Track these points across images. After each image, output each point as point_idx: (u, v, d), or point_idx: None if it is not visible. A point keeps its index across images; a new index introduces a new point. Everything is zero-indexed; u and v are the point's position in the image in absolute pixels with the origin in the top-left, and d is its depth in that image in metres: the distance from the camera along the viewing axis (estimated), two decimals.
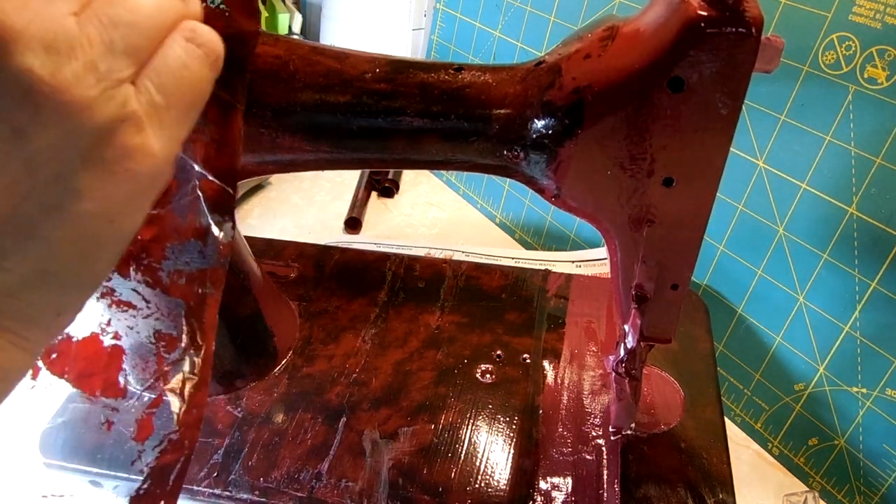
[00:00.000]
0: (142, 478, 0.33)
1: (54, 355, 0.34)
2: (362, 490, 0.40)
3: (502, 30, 0.67)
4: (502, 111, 0.32)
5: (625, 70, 0.29)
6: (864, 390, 0.45)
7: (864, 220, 0.42)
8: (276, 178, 0.77)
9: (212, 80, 0.24)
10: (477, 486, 0.40)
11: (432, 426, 0.44)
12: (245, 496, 0.40)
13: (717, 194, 0.32)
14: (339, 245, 0.61)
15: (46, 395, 0.45)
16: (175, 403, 0.29)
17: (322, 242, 0.61)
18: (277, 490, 0.40)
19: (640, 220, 0.33)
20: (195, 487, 0.41)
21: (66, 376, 0.34)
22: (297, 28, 0.87)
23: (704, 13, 0.26)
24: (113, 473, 0.41)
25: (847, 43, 0.41)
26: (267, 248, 0.59)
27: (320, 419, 0.44)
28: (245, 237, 0.47)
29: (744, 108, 0.29)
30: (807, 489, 0.48)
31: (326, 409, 0.45)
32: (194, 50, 0.23)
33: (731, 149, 0.30)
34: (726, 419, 0.46)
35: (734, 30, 0.26)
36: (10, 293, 0.20)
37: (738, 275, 0.51)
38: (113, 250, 0.23)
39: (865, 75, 0.41)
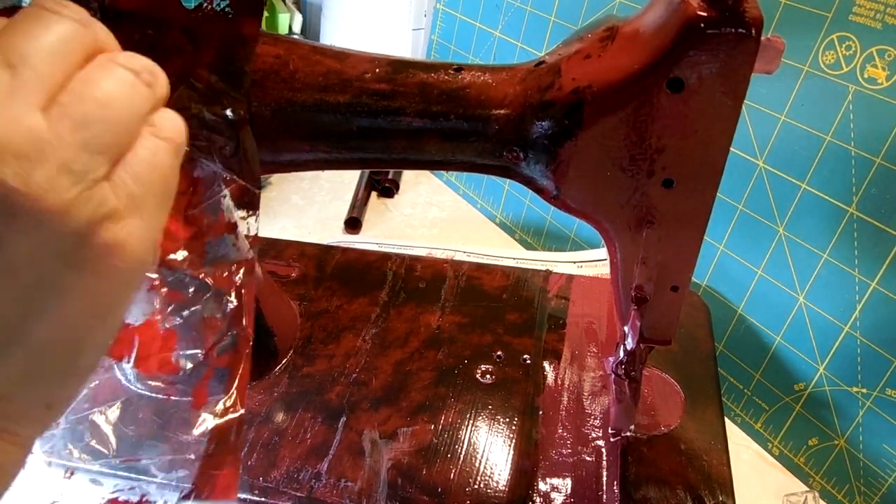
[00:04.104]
0: (144, 476, 0.39)
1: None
2: (361, 490, 0.40)
3: (502, 30, 0.67)
4: (502, 111, 0.32)
5: (624, 70, 0.29)
6: (864, 390, 0.45)
7: (864, 220, 0.42)
8: (276, 178, 0.77)
9: (178, 168, 0.23)
10: (476, 486, 0.40)
11: (432, 426, 0.44)
12: (244, 496, 0.40)
13: (717, 194, 0.32)
14: (340, 245, 0.61)
15: None
16: (223, 375, 0.34)
17: (322, 242, 0.61)
18: (277, 490, 0.40)
19: (639, 221, 0.33)
20: None
21: (125, 359, 0.37)
22: (297, 28, 0.87)
23: (704, 13, 0.26)
24: (113, 473, 0.41)
25: (847, 43, 0.41)
26: (268, 248, 0.59)
27: (320, 419, 0.44)
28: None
29: (744, 108, 0.29)
30: (807, 489, 0.48)
31: (326, 409, 0.45)
32: (161, 143, 0.22)
33: (731, 149, 0.30)
34: (726, 419, 0.46)
35: (734, 30, 0.26)
36: None
37: (738, 275, 0.51)
38: (101, 342, 0.22)
39: (865, 75, 0.41)
